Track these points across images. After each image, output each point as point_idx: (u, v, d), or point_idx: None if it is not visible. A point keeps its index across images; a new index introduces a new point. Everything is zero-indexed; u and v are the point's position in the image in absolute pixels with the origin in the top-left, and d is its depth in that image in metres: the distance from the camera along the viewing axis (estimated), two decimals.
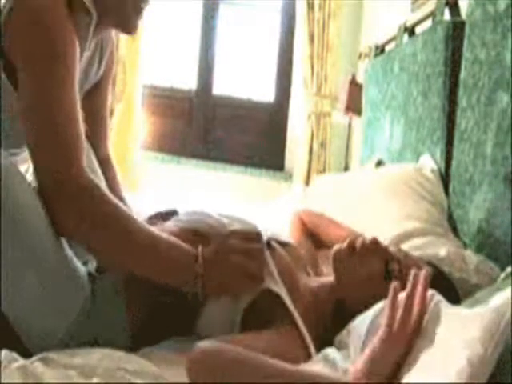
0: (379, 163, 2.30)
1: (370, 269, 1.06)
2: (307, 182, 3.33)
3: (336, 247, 1.10)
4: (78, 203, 0.92)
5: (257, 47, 3.69)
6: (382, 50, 2.65)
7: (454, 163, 1.60)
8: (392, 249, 1.11)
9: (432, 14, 1.99)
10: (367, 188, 1.79)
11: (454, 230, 1.54)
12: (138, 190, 3.17)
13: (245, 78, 3.61)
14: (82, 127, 0.98)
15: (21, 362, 0.78)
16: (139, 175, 3.42)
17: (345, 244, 1.09)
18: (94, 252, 0.97)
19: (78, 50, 1.01)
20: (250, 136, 3.65)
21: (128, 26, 1.15)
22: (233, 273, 0.96)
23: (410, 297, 0.82)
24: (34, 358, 0.82)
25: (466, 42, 1.55)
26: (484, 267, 1.26)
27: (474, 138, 1.46)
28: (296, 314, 0.97)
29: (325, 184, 2.13)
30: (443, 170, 1.71)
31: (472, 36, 1.51)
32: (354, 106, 2.96)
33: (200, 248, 0.97)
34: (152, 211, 1.24)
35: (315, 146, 3.40)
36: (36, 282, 0.88)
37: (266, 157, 3.62)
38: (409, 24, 2.28)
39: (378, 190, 1.74)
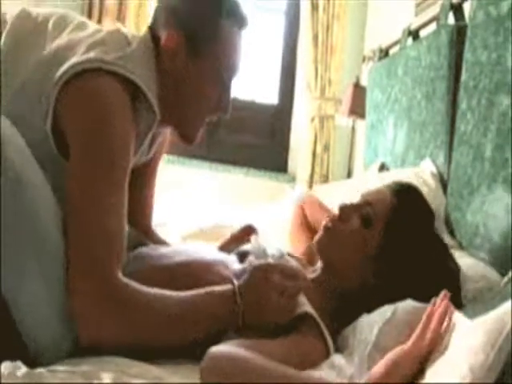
0: (382, 167, 2.30)
1: (350, 229, 1.07)
2: (310, 185, 3.33)
3: (315, 239, 1.11)
4: (114, 312, 0.87)
5: (261, 49, 3.69)
6: (386, 54, 2.65)
7: (452, 165, 1.59)
8: (359, 200, 1.12)
9: (436, 18, 1.99)
10: None
11: (452, 232, 1.54)
12: None
13: (248, 80, 3.61)
14: (124, 233, 0.93)
15: (24, 369, 0.78)
16: None
17: (320, 231, 1.10)
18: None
19: (134, 147, 0.98)
20: (253, 138, 3.65)
21: (188, 134, 1.12)
22: (272, 311, 0.94)
23: (430, 315, 0.85)
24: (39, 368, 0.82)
25: (467, 44, 1.55)
26: (479, 270, 1.26)
27: (474, 140, 1.46)
28: (318, 319, 0.97)
29: (327, 190, 2.13)
30: (446, 173, 1.70)
31: (474, 38, 1.51)
32: (357, 109, 2.96)
33: (236, 285, 0.94)
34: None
35: (318, 149, 3.40)
36: (39, 273, 0.86)
37: (269, 159, 3.63)
38: (413, 27, 2.28)
39: None
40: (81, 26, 1.07)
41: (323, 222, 1.11)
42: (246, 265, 1.03)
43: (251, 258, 1.07)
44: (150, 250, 1.13)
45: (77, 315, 0.87)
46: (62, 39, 1.01)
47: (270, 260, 1.05)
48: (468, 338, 0.76)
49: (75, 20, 1.09)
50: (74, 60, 0.94)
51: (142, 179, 1.24)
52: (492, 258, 1.31)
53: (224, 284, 0.97)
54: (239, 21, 1.08)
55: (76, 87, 0.93)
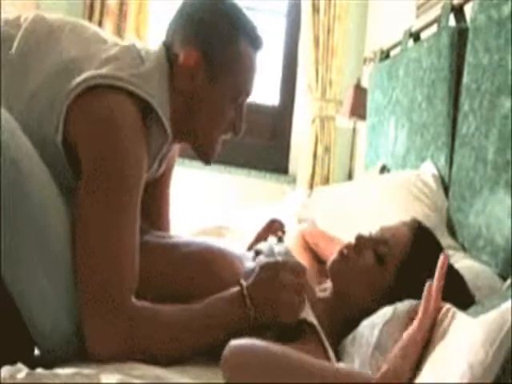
0: (383, 169, 2.30)
1: (363, 263, 1.08)
2: (311, 186, 3.33)
3: (329, 260, 1.12)
4: (125, 334, 0.87)
5: (262, 51, 3.69)
6: (387, 55, 2.65)
7: (454, 168, 1.59)
8: (377, 233, 1.13)
9: (437, 20, 1.99)
10: (369, 196, 1.79)
11: (454, 234, 1.54)
12: None
13: None
14: (136, 254, 0.92)
15: (25, 371, 0.78)
16: None
17: (335, 254, 1.12)
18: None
19: (146, 168, 0.97)
20: (254, 139, 3.65)
21: (204, 153, 1.11)
22: (282, 308, 0.94)
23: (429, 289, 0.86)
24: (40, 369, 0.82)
25: (469, 46, 1.55)
26: (482, 274, 1.26)
27: (476, 142, 1.46)
28: (319, 329, 0.98)
29: (327, 193, 2.14)
30: (447, 175, 1.71)
31: (475, 41, 1.51)
32: (358, 110, 2.96)
33: (244, 286, 0.94)
34: None
35: (319, 150, 3.40)
36: (35, 243, 0.86)
37: (270, 160, 3.63)
38: (414, 29, 2.28)
39: (379, 197, 1.74)
40: (96, 37, 1.05)
41: (338, 247, 1.13)
42: (254, 264, 1.03)
43: (261, 257, 1.08)
44: (158, 238, 1.13)
45: (88, 337, 0.88)
46: (77, 49, 1.00)
47: (278, 258, 1.05)
48: (467, 335, 0.77)
49: (90, 29, 1.07)
50: (87, 74, 0.93)
51: (155, 193, 1.23)
52: (494, 260, 1.31)
53: (235, 275, 0.99)
54: (256, 42, 1.08)
55: (87, 103, 0.92)
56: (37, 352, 0.98)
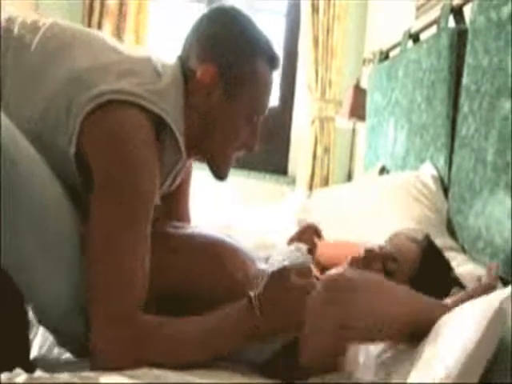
0: (382, 170, 2.30)
1: None
2: (310, 187, 3.33)
3: (340, 269, 1.12)
4: (135, 351, 0.88)
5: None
6: (387, 56, 2.65)
7: (454, 169, 1.60)
8: (386, 248, 1.14)
9: (437, 21, 1.99)
10: (368, 197, 1.79)
11: (454, 235, 1.54)
12: None
13: None
14: (146, 273, 0.92)
15: (24, 376, 0.79)
16: None
17: (346, 263, 1.13)
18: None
19: (158, 184, 0.97)
20: None
21: (218, 170, 1.10)
22: (294, 311, 0.94)
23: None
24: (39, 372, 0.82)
25: (468, 48, 1.55)
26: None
27: (475, 144, 1.46)
28: None
29: (327, 195, 2.14)
30: (446, 176, 1.71)
31: (475, 42, 1.51)
32: (358, 111, 2.96)
33: (253, 297, 0.93)
34: None
35: (319, 151, 3.40)
36: (36, 245, 0.87)
37: (269, 161, 3.62)
38: (413, 30, 2.28)
39: (379, 198, 1.74)
40: (110, 47, 1.04)
41: (349, 257, 1.13)
42: (263, 268, 1.05)
43: (270, 260, 1.09)
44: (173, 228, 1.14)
45: (95, 346, 0.88)
46: (91, 59, 0.99)
47: (285, 263, 1.06)
48: (461, 320, 0.82)
49: (104, 39, 1.07)
50: (102, 88, 0.93)
51: (171, 206, 1.24)
52: (494, 262, 1.31)
53: (244, 271, 1.01)
54: (273, 61, 1.07)
55: (101, 117, 0.92)
56: (33, 355, 0.99)
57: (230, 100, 1.03)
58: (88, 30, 1.09)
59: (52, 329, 0.96)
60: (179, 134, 0.99)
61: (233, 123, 1.05)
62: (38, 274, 0.88)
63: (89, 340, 0.89)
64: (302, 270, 0.98)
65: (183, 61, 1.05)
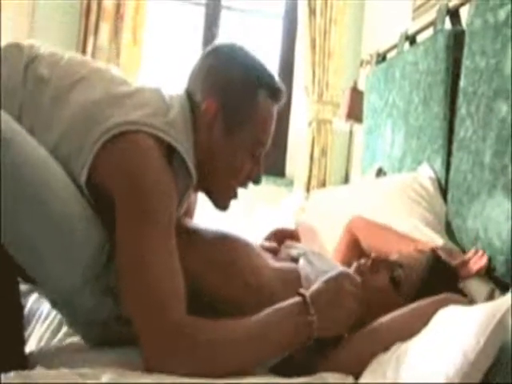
0: (380, 171, 2.30)
1: (377, 284, 1.11)
2: (308, 189, 3.33)
3: None
4: (182, 353, 0.87)
5: (258, 53, 3.69)
6: (384, 58, 2.65)
7: (452, 171, 1.60)
8: (393, 256, 1.16)
9: (433, 23, 1.99)
10: (366, 199, 1.79)
11: (453, 237, 1.55)
12: None
13: None
14: (181, 277, 0.93)
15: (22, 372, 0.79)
16: None
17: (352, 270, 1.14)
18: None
19: (175, 205, 0.99)
20: None
21: (219, 202, 1.12)
22: (345, 315, 0.96)
23: None
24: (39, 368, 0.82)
25: (465, 50, 1.56)
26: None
27: (473, 146, 1.46)
28: None
29: (324, 197, 2.14)
30: (444, 178, 1.71)
31: (472, 45, 1.51)
32: (355, 113, 2.96)
33: (307, 296, 0.94)
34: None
35: (316, 153, 3.40)
36: (40, 221, 0.88)
37: (267, 163, 3.62)
38: (410, 32, 2.29)
39: (376, 200, 1.74)
40: (118, 80, 1.07)
41: (355, 264, 1.14)
42: (286, 261, 1.12)
43: (285, 251, 1.16)
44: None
45: (150, 358, 0.87)
46: (101, 91, 1.01)
47: (340, 268, 1.08)
48: (462, 323, 0.81)
49: (111, 72, 1.09)
50: (116, 120, 0.95)
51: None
52: (492, 264, 1.31)
53: (260, 262, 1.06)
54: (276, 94, 1.08)
55: (116, 147, 0.94)
56: (30, 349, 0.99)
57: (231, 134, 1.05)
58: (96, 63, 1.13)
59: (62, 304, 0.97)
60: (190, 161, 1.02)
61: (234, 157, 1.06)
62: (44, 250, 0.89)
63: (98, 314, 0.93)
64: (354, 280, 1.00)
65: (189, 94, 1.08)
